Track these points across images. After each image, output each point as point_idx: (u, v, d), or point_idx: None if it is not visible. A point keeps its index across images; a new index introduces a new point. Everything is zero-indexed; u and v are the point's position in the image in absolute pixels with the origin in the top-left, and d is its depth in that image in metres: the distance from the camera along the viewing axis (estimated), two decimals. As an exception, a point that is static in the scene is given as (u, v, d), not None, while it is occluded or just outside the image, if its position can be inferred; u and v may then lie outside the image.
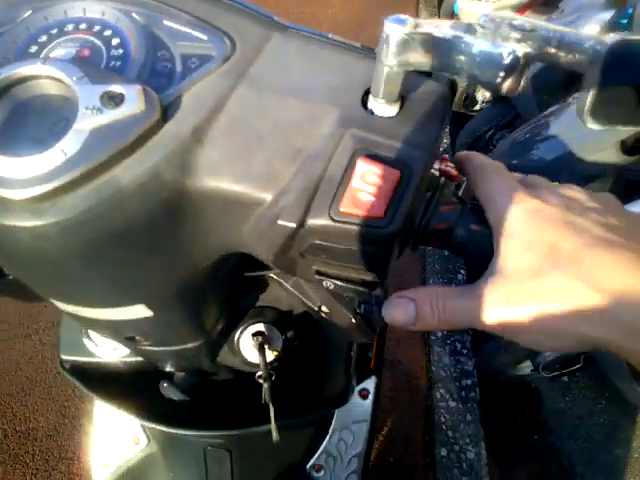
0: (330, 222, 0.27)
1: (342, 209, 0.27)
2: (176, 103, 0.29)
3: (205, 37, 0.31)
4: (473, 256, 0.32)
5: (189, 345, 0.45)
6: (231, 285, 0.45)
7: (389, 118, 0.29)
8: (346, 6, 3.71)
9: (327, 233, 0.28)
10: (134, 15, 0.32)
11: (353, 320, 0.45)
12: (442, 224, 0.31)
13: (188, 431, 0.56)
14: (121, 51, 0.31)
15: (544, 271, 0.26)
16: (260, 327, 0.50)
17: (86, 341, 0.60)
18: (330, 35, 0.34)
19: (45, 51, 0.31)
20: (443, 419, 1.50)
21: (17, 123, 0.28)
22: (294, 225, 0.28)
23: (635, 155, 1.70)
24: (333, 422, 0.77)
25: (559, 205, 0.28)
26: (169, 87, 0.30)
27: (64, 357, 0.61)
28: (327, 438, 0.76)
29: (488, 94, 2.58)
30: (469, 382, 1.61)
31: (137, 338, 0.42)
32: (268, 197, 0.28)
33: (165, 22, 0.32)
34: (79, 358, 0.60)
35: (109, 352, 0.59)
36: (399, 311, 0.31)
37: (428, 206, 0.31)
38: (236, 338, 0.51)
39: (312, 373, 0.61)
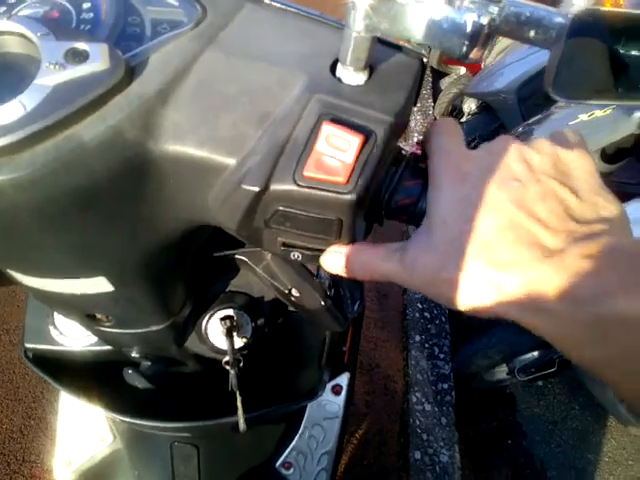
0: (294, 186, 0.27)
1: (306, 173, 0.27)
2: (143, 64, 0.28)
3: (176, 3, 0.31)
4: None
5: (153, 328, 0.44)
6: (198, 265, 0.44)
7: (357, 86, 0.29)
8: None
9: (291, 198, 0.27)
10: None
11: (322, 303, 0.44)
12: (406, 198, 0.30)
13: (153, 422, 0.54)
14: (91, 15, 0.30)
15: (455, 248, 0.26)
16: (229, 312, 0.49)
17: (51, 329, 0.58)
18: (304, 8, 0.34)
19: (13, 12, 0.30)
20: (418, 422, 1.49)
21: None
22: (257, 189, 0.27)
23: (615, 164, 1.74)
24: (304, 418, 0.76)
25: (488, 173, 0.27)
26: (137, 49, 0.29)
27: (28, 345, 0.58)
28: (297, 435, 0.75)
29: (474, 106, 2.61)
30: (445, 386, 1.61)
31: (98, 317, 0.41)
32: (233, 162, 0.28)
33: None
34: (43, 346, 0.58)
35: (74, 341, 0.57)
36: (333, 263, 0.31)
37: (393, 180, 0.30)
38: (204, 323, 0.50)
39: (284, 365, 0.60)
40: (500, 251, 0.25)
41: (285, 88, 0.29)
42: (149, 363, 0.52)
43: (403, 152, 0.32)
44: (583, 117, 1.47)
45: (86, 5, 0.31)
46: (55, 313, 0.58)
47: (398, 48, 0.32)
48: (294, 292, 0.45)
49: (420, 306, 1.92)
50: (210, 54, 0.30)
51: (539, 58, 1.86)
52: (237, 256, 0.47)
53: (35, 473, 1.24)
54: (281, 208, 0.28)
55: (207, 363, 0.54)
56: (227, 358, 0.47)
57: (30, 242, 0.30)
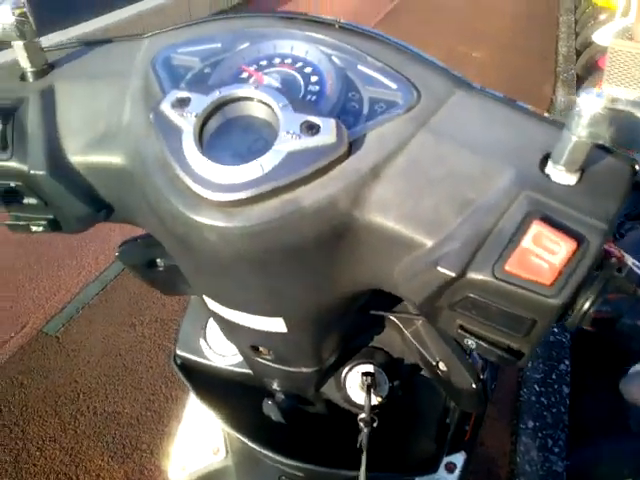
0: (492, 278, 0.27)
1: (507, 268, 0.27)
2: (361, 140, 0.31)
3: (394, 85, 0.34)
4: (634, 350, 0.29)
5: (303, 369, 0.46)
6: (356, 318, 0.45)
7: (567, 186, 0.29)
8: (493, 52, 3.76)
9: (486, 289, 0.28)
10: (333, 58, 0.35)
11: (474, 386, 0.43)
12: (607, 311, 0.29)
13: (269, 451, 0.57)
14: (317, 87, 0.34)
15: None
16: (369, 368, 0.50)
17: (202, 342, 0.64)
18: (511, 98, 0.35)
19: (253, 78, 0.35)
20: (521, 519, 1.35)
21: (223, 136, 0.32)
22: (454, 274, 0.28)
23: None
24: None
25: None
26: (356, 125, 0.32)
27: (179, 352, 0.65)
28: None
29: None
30: (556, 486, 1.45)
31: (261, 349, 0.44)
32: (430, 242, 0.29)
33: (359, 67, 0.35)
34: (191, 356, 0.64)
35: (220, 358, 0.62)
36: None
37: (594, 286, 0.29)
38: (344, 373, 0.51)
39: (401, 430, 0.59)
40: None
41: (491, 178, 0.30)
42: (283, 397, 0.55)
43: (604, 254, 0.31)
44: None
45: (314, 78, 0.35)
46: (208, 328, 0.64)
47: (609, 150, 0.31)
48: (441, 366, 0.45)
49: (537, 389, 1.77)
50: (421, 137, 0.32)
51: None
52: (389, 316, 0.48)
53: (143, 462, 1.34)
54: (472, 296, 0.28)
55: (336, 411, 0.56)
56: (363, 415, 0.47)
57: (235, 280, 0.34)
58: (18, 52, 0.37)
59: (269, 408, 0.54)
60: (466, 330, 0.31)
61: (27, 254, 1.97)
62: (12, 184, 0.36)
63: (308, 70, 0.35)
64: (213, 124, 0.32)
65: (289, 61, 0.36)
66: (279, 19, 0.38)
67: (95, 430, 1.42)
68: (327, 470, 0.55)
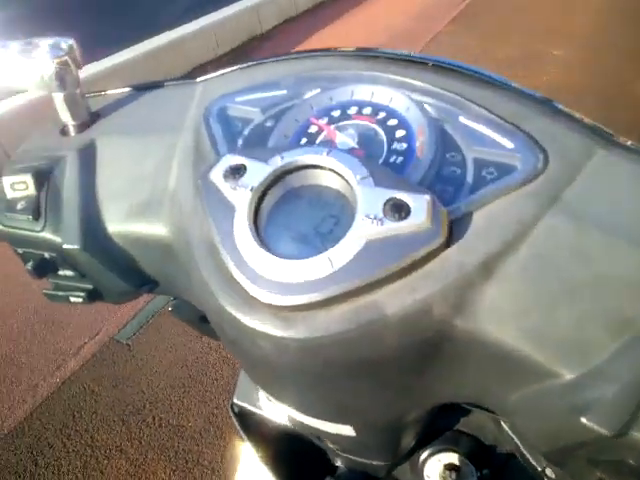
0: None
1: None
2: (464, 222, 0.24)
3: (511, 144, 0.26)
4: None
5: (374, 462, 0.39)
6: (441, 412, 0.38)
7: None
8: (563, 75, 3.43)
9: None
10: (426, 106, 0.28)
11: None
12: None
13: None
14: (404, 145, 0.27)
15: None
16: (453, 458, 0.42)
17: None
18: None
19: (324, 134, 0.29)
20: None
21: (284, 211, 0.25)
22: (608, 434, 0.20)
23: None
24: None
25: None
26: (456, 199, 0.25)
27: (236, 401, 0.60)
28: None
29: None
30: None
31: (325, 440, 0.38)
32: (568, 374, 0.21)
33: (462, 119, 0.27)
34: (249, 407, 0.59)
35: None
36: None
37: None
38: (422, 458, 0.44)
39: None
40: None
41: None
42: (346, 470, 0.49)
43: None
44: None
45: (399, 133, 0.28)
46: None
47: None
48: (549, 473, 0.36)
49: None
50: (551, 220, 0.23)
51: None
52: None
53: (205, 479, 1.33)
54: (631, 462, 0.20)
55: None
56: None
57: (293, 388, 0.28)
58: (57, 104, 0.33)
59: (333, 488, 0.47)
60: None
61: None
62: (46, 255, 0.32)
63: (392, 123, 0.28)
64: (272, 196, 0.26)
65: (368, 111, 0.29)
66: (355, 58, 0.31)
67: (159, 442, 1.42)
68: None
